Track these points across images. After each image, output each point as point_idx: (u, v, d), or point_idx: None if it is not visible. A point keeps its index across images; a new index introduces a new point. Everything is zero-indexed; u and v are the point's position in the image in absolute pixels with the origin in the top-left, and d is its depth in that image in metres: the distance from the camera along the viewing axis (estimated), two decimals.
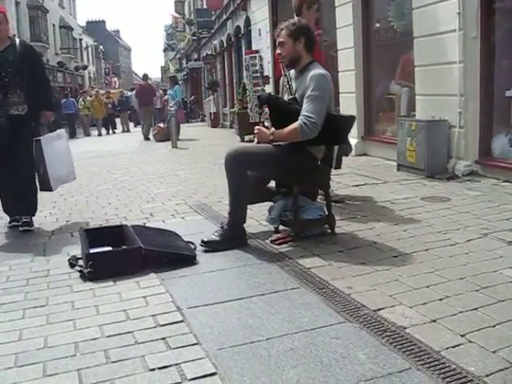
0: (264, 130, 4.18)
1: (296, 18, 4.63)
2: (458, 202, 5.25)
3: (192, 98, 33.93)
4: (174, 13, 40.51)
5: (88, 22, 65.98)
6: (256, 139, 4.25)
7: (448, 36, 6.60)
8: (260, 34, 15.10)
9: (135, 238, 3.82)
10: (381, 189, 6.16)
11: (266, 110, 4.33)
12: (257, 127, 4.29)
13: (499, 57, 6.41)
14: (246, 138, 14.39)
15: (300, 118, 3.89)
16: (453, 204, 5.16)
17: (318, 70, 4.01)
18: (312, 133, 3.88)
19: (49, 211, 6.14)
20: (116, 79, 66.24)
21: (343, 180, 6.67)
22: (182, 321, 2.79)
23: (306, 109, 3.90)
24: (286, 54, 4.14)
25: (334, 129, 4.01)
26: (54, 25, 39.42)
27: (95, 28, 65.16)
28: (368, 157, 8.92)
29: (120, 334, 2.68)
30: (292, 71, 4.24)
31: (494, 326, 2.55)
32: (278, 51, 4.21)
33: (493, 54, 6.40)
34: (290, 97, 4.12)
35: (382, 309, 2.81)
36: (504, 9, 6.35)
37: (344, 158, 8.58)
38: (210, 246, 4.00)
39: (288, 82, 4.20)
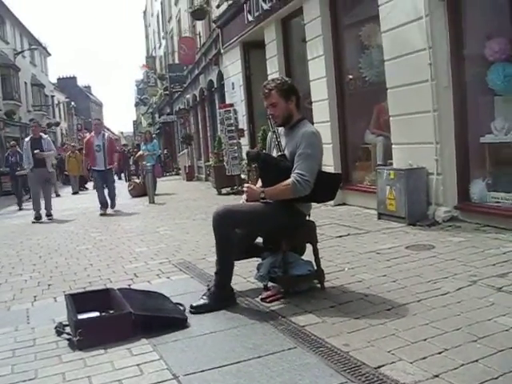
0: (254, 187, 4.16)
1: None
2: (442, 249, 5.29)
3: (165, 152, 34.03)
4: (145, 65, 40.99)
5: (59, 79, 66.03)
6: (245, 197, 4.20)
7: (421, 86, 6.77)
8: (233, 88, 15.31)
9: (123, 302, 3.74)
10: (364, 239, 6.17)
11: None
12: (246, 185, 4.27)
13: (471, 104, 6.59)
14: (223, 190, 14.44)
15: (293, 175, 3.89)
16: (438, 252, 5.18)
17: (308, 129, 4.04)
18: (305, 190, 3.88)
19: (29, 275, 6.01)
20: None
21: (326, 232, 6.67)
22: None
23: (298, 167, 3.90)
24: (279, 114, 4.11)
25: (323, 186, 4.02)
26: (25, 83, 39.49)
27: (66, 84, 65.23)
28: (347, 206, 8.97)
29: None
30: (281, 128, 4.25)
31: (497, 378, 2.53)
32: (269, 112, 4.17)
33: (465, 101, 6.58)
34: (280, 153, 4.11)
35: (382, 366, 2.77)
36: (473, 57, 6.56)
37: (324, 207, 8.74)
38: (200, 310, 3.91)
39: (277, 138, 4.18)
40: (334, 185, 4.26)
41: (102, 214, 11.87)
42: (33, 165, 11.66)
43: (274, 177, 3.98)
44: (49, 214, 11.98)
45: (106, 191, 12.40)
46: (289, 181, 3.89)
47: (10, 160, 17.22)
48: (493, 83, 6.15)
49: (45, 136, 12.29)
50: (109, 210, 12.21)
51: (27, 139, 12.22)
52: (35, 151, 11.49)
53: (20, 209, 16.24)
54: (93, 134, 12.56)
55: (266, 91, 4.13)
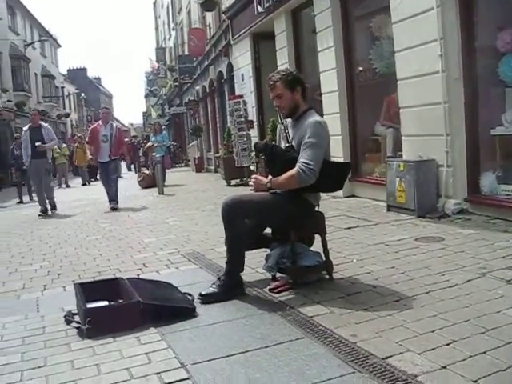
0: (260, 178, 4.18)
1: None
2: (451, 241, 5.26)
3: (175, 144, 34.04)
4: (154, 62, 40.98)
5: (69, 70, 66.13)
6: (253, 187, 4.22)
7: (431, 77, 6.72)
8: (243, 79, 15.28)
9: (132, 291, 3.75)
10: (373, 231, 6.16)
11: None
12: (253, 176, 4.30)
13: (482, 96, 6.54)
14: (233, 182, 14.46)
15: (297, 164, 3.89)
16: (447, 244, 5.16)
17: (314, 118, 4.03)
18: (310, 179, 3.88)
19: (39, 264, 6.05)
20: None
21: (334, 223, 6.66)
22: (187, 378, 2.72)
23: (303, 155, 3.91)
24: (285, 105, 4.12)
25: (330, 176, 4.01)
26: (36, 74, 39.63)
27: (76, 76, 65.33)
28: (356, 198, 8.95)
29: None
30: (288, 119, 4.26)
31: (505, 370, 2.52)
32: (275, 103, 4.18)
33: (476, 93, 6.53)
34: (287, 145, 4.12)
35: (390, 356, 2.76)
36: (484, 48, 6.51)
37: (333, 199, 8.72)
38: (209, 299, 3.93)
39: (285, 129, 4.20)
40: (342, 174, 4.25)
41: (112, 209, 11.14)
42: (31, 156, 11.00)
43: (281, 167, 3.99)
44: (53, 207, 11.41)
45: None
46: (294, 170, 3.89)
47: (15, 153, 16.73)
48: (504, 75, 6.10)
49: (45, 124, 11.55)
50: (109, 206, 11.25)
51: (25, 128, 11.40)
52: (36, 143, 10.82)
53: (21, 201, 16.04)
54: (100, 122, 11.67)
55: (271, 83, 4.14)
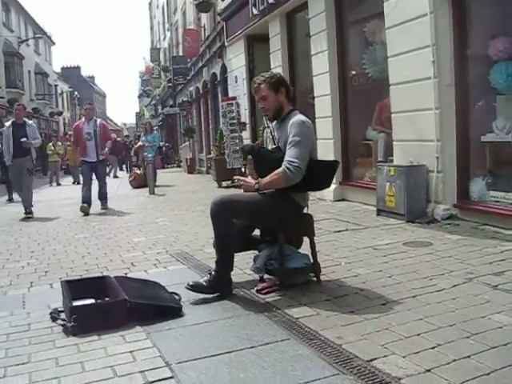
0: (248, 179, 4.20)
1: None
2: (440, 246, 5.29)
3: (167, 144, 33.98)
4: (148, 62, 40.92)
5: (63, 68, 66.05)
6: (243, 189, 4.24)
7: (423, 83, 6.75)
8: (236, 81, 15.30)
9: (119, 289, 3.74)
10: (362, 234, 6.17)
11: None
12: (236, 176, 4.32)
13: (473, 103, 6.58)
14: (224, 183, 14.46)
15: (283, 163, 3.91)
16: (435, 249, 5.19)
17: (298, 117, 4.05)
18: (296, 177, 3.89)
19: (26, 261, 6.01)
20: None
21: (324, 226, 6.67)
22: (171, 377, 2.71)
23: (288, 154, 3.93)
24: (269, 106, 4.16)
25: (317, 175, 4.02)
26: (29, 71, 39.54)
27: (70, 74, 65.24)
28: (347, 202, 8.98)
29: None
30: (274, 122, 4.28)
31: (489, 374, 2.53)
32: (260, 105, 4.21)
33: (467, 100, 6.57)
34: (274, 146, 4.15)
35: (374, 359, 2.77)
36: (476, 55, 6.55)
37: (323, 203, 8.74)
38: (196, 289, 3.97)
39: (271, 132, 4.24)
40: (330, 172, 4.26)
41: (83, 213, 10.09)
42: (13, 155, 9.98)
43: (268, 168, 4.01)
44: (29, 212, 10.15)
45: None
46: (280, 169, 3.92)
47: (0, 148, 13.45)
48: (495, 82, 6.14)
49: (29, 122, 10.49)
50: (98, 209, 10.67)
51: (8, 124, 10.42)
52: (22, 139, 9.73)
53: (10, 200, 14.81)
54: (83, 119, 10.87)
55: (256, 85, 4.19)
